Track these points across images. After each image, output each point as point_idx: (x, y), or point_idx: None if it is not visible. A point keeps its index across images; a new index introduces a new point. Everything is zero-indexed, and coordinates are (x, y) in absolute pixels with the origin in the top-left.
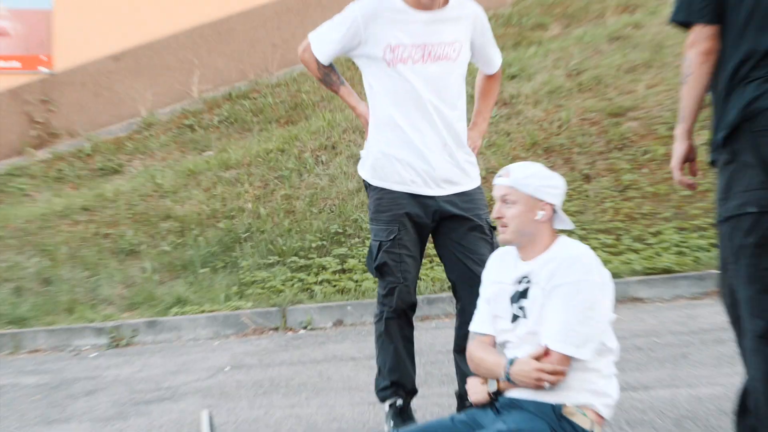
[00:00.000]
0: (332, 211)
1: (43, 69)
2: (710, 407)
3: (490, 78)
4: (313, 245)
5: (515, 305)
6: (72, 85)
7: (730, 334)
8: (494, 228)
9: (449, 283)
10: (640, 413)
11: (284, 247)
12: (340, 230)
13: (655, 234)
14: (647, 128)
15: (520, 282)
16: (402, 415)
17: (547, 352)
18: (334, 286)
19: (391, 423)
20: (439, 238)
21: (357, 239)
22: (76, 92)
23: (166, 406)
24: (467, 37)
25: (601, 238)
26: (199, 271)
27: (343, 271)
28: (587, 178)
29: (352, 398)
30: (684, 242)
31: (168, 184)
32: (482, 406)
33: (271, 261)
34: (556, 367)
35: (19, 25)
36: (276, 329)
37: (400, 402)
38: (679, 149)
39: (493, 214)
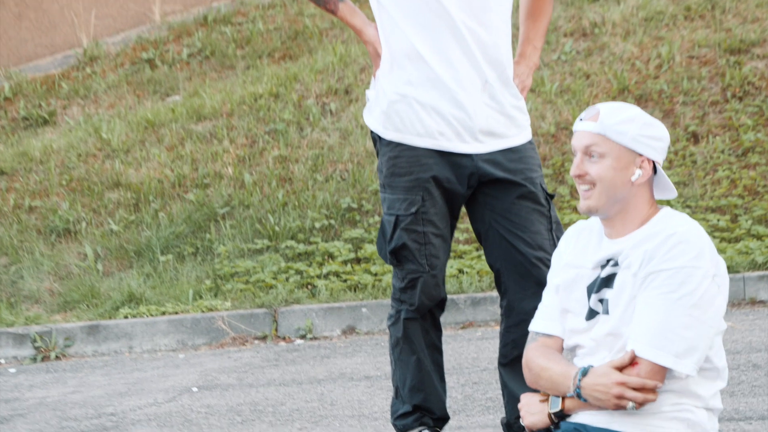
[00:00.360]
0: (344, 180)
1: None
2: None
3: None
4: (317, 225)
5: (594, 297)
6: None
7: None
8: (552, 196)
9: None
10: None
11: (277, 228)
12: (355, 205)
13: None
14: None
15: (603, 266)
16: None
17: (634, 361)
18: (345, 281)
19: None
20: (477, 211)
21: (377, 217)
22: None
23: None
24: None
25: (712, 219)
26: (160, 258)
27: (358, 260)
28: (695, 138)
29: (363, 430)
30: None
31: (117, 140)
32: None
33: (258, 246)
34: (646, 382)
35: None
36: (264, 338)
37: None
38: None
39: (573, 171)
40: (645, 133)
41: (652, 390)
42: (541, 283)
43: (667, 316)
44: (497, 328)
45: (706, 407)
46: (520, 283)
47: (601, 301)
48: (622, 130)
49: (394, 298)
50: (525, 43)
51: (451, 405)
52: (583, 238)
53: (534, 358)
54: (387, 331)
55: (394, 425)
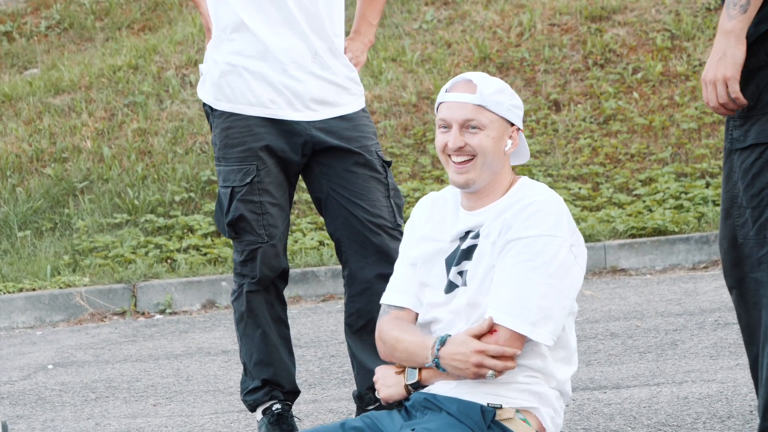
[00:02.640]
0: (204, 152)
1: None
2: (700, 411)
3: None
4: (177, 198)
5: (454, 270)
6: None
7: (735, 316)
8: (389, 163)
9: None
10: (606, 419)
11: (136, 202)
12: (214, 178)
13: (647, 182)
14: (639, 37)
15: (463, 238)
16: (280, 424)
17: (492, 329)
18: (205, 254)
19: None
20: (315, 180)
21: None
22: None
23: None
24: None
25: (573, 188)
26: (17, 234)
27: (218, 234)
28: (556, 106)
29: (217, 405)
30: (685, 193)
31: None
32: (395, 404)
33: (117, 220)
34: (505, 349)
35: None
36: (122, 314)
37: (277, 407)
38: (739, 53)
39: (452, 143)
40: (513, 102)
41: (511, 358)
42: (382, 251)
43: (524, 284)
44: None
45: (558, 389)
46: (361, 252)
47: (460, 273)
48: (499, 100)
49: (235, 272)
50: (360, 21)
51: (307, 378)
52: (437, 209)
53: (388, 330)
54: None
55: (244, 401)
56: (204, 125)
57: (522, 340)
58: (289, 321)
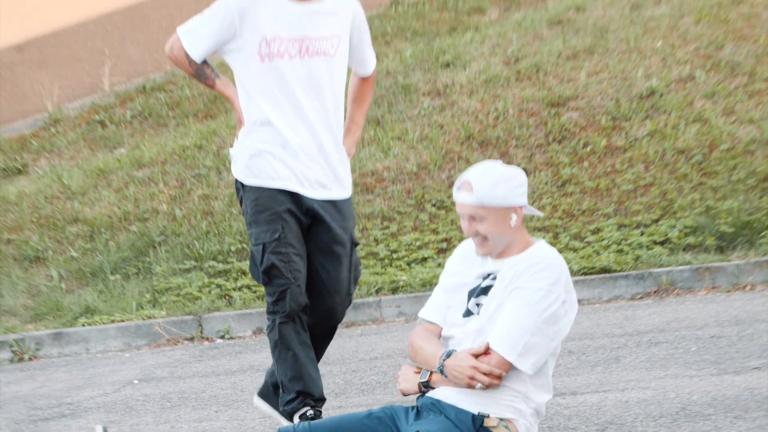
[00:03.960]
0: None
1: None
2: (638, 412)
3: (364, 81)
4: (233, 248)
5: (473, 300)
6: None
7: (666, 335)
8: (357, 244)
9: (375, 287)
10: (565, 419)
11: (201, 251)
12: None
13: (595, 231)
14: (588, 119)
15: (485, 278)
16: None
17: (487, 352)
18: (254, 291)
19: None
20: (307, 241)
21: None
22: None
23: (65, 423)
24: (346, 33)
25: (538, 236)
26: (110, 278)
27: None
28: (525, 173)
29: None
30: (624, 240)
31: (76, 185)
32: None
33: (187, 266)
34: (493, 370)
35: None
36: (191, 339)
37: (311, 412)
38: None
39: (466, 233)
40: (511, 187)
41: (498, 377)
42: (331, 310)
43: (520, 323)
44: (374, 327)
45: (536, 409)
46: (318, 303)
47: (477, 304)
48: (494, 194)
49: (268, 312)
50: (350, 122)
51: (334, 389)
52: (471, 252)
53: (417, 338)
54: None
55: (283, 411)
56: None
57: (508, 365)
58: None
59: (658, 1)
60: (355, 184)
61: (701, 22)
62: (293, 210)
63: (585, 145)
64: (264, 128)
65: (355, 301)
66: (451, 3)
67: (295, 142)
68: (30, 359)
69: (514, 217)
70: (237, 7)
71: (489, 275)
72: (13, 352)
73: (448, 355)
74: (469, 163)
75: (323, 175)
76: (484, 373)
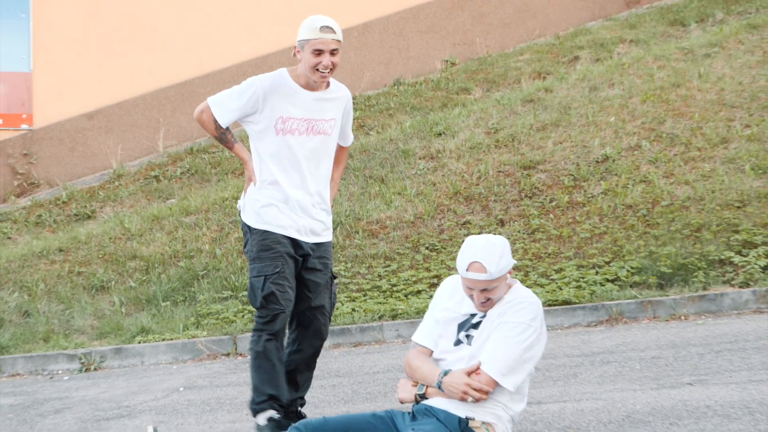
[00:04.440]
0: None
1: (24, 126)
2: (591, 419)
3: (342, 149)
4: None
5: (462, 333)
6: (50, 140)
7: (615, 356)
8: (335, 277)
9: (378, 315)
10: (531, 424)
11: (237, 283)
12: None
13: (558, 271)
14: (554, 179)
15: (473, 315)
16: (280, 429)
17: (478, 371)
18: None
19: None
20: (298, 275)
21: None
22: (53, 146)
23: (123, 423)
24: (340, 116)
25: (513, 275)
26: (162, 304)
27: None
28: (501, 223)
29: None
30: (582, 278)
31: (135, 228)
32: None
33: (225, 295)
34: (483, 387)
35: (2, 86)
36: (227, 354)
37: (278, 416)
38: None
39: (478, 304)
40: (508, 255)
41: (486, 393)
42: (317, 330)
43: (505, 350)
44: (377, 347)
45: (512, 416)
46: (301, 329)
47: (467, 336)
48: (502, 268)
49: (255, 329)
50: (330, 180)
51: (343, 397)
52: (457, 292)
53: (413, 358)
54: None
55: (253, 410)
56: None
57: (495, 383)
58: (331, 360)
59: (612, 85)
60: (363, 230)
61: (647, 101)
62: (291, 252)
63: (551, 201)
64: (272, 186)
65: (362, 324)
66: (443, 84)
67: (295, 199)
68: (95, 369)
69: (509, 276)
70: (262, 90)
71: (477, 314)
72: (81, 363)
73: (446, 373)
74: (456, 214)
75: (315, 224)
76: (475, 389)
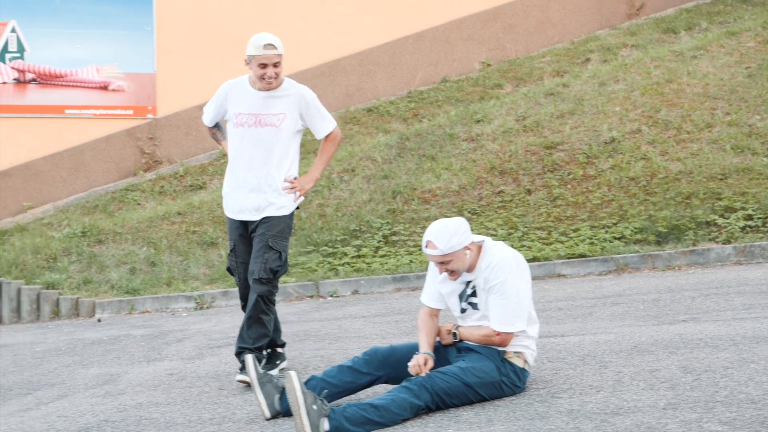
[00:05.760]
0: (351, 215)
1: (149, 115)
2: (605, 348)
3: (325, 140)
4: (338, 239)
5: (464, 302)
6: (170, 126)
7: (622, 299)
8: (272, 248)
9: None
10: (557, 353)
11: (318, 240)
12: (356, 228)
13: (575, 230)
14: (570, 157)
15: (467, 284)
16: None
17: (497, 333)
18: (352, 266)
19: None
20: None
21: (368, 234)
22: (173, 132)
23: (231, 350)
24: (292, 110)
25: (538, 233)
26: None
27: (359, 256)
28: (529, 192)
29: (360, 343)
30: (595, 236)
31: None
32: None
33: (309, 249)
34: (504, 340)
35: (132, 83)
36: (311, 297)
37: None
38: None
39: (440, 272)
40: (460, 236)
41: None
42: (251, 289)
43: (504, 307)
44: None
45: (530, 337)
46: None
47: (470, 304)
48: (451, 245)
49: (272, 295)
50: (314, 165)
51: (404, 330)
52: None
53: (420, 321)
54: (375, 293)
55: (254, 346)
56: (351, 201)
57: (512, 335)
58: (393, 301)
59: (617, 81)
60: (417, 198)
61: (645, 94)
62: (243, 231)
63: (569, 174)
64: (230, 172)
65: (418, 273)
66: (481, 81)
67: (244, 179)
68: (207, 308)
69: (467, 252)
70: (224, 92)
71: (469, 283)
72: (196, 303)
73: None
74: (492, 185)
75: (260, 201)
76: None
